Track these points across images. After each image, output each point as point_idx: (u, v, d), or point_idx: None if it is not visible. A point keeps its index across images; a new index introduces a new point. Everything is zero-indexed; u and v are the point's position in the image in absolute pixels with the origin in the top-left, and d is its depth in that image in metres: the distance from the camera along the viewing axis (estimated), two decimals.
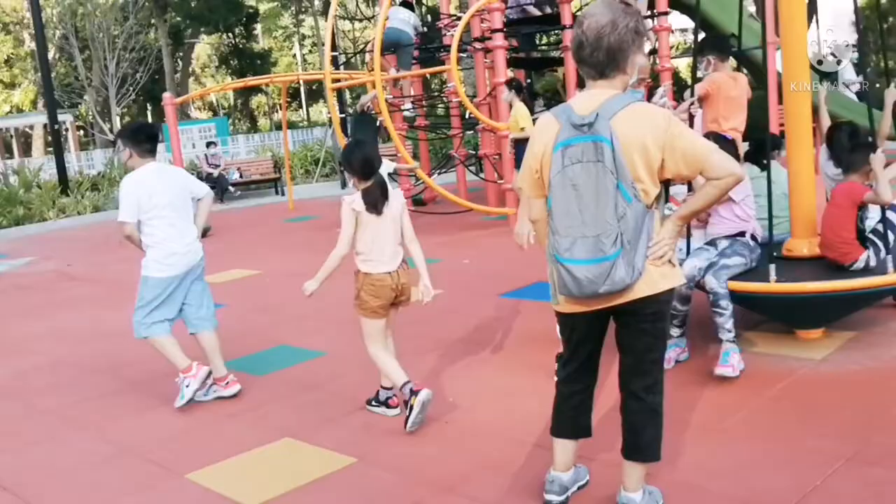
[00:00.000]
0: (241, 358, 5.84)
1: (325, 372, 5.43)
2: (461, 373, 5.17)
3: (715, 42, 6.63)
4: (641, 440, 3.10)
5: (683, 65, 25.56)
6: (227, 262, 9.79)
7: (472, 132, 13.10)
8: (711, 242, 4.95)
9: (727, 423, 4.01)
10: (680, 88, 12.47)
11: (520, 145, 10.13)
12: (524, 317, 6.26)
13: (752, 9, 21.05)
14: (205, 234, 13.06)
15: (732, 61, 9.20)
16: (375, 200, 4.25)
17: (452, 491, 3.56)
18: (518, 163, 10.07)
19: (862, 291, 4.67)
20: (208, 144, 18.69)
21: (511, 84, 10.50)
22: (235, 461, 4.10)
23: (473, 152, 13.31)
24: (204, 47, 45.71)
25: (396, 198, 4.37)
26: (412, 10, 12.53)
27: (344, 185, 17.70)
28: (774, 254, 4.79)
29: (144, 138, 4.96)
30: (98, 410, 5.09)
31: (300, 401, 4.90)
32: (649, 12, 12.32)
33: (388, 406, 4.55)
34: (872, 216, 4.97)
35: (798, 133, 5.15)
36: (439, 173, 14.33)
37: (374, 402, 4.62)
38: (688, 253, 5.01)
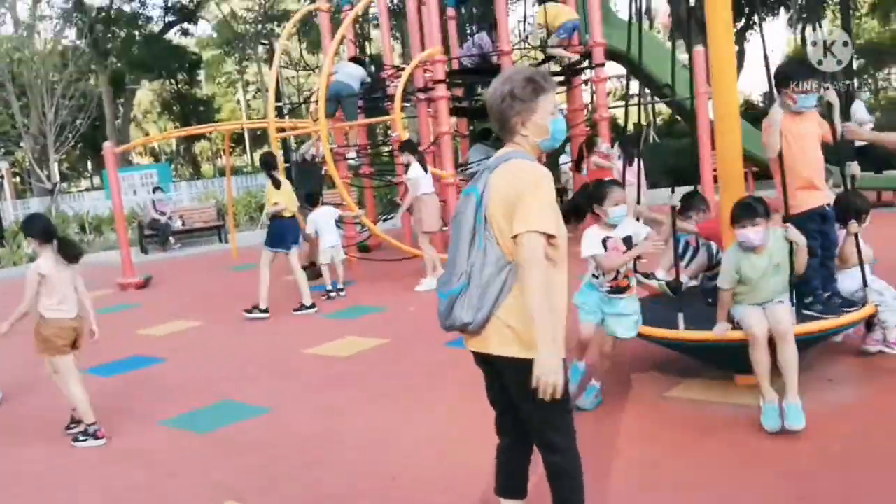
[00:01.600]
0: (184, 415, 5.73)
1: (269, 429, 5.36)
2: (406, 423, 5.16)
3: None
4: (555, 497, 3.11)
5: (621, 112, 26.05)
6: (169, 313, 9.63)
7: None
8: None
9: (668, 472, 4.07)
10: (618, 135, 12.76)
11: (274, 221, 9.14)
12: (471, 366, 6.25)
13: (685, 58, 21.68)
14: (146, 283, 12.88)
15: None
16: (67, 255, 5.31)
17: None
18: (271, 240, 9.07)
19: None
20: (155, 189, 18.46)
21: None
22: None
23: None
24: (146, 93, 45.35)
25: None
26: (362, 65, 12.56)
27: None
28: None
29: None
30: (34, 463, 4.94)
31: (244, 460, 4.82)
32: (585, 63, 12.63)
33: (96, 437, 5.31)
34: None
35: (730, 178, 5.27)
36: (384, 220, 14.37)
37: (81, 437, 5.32)
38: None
